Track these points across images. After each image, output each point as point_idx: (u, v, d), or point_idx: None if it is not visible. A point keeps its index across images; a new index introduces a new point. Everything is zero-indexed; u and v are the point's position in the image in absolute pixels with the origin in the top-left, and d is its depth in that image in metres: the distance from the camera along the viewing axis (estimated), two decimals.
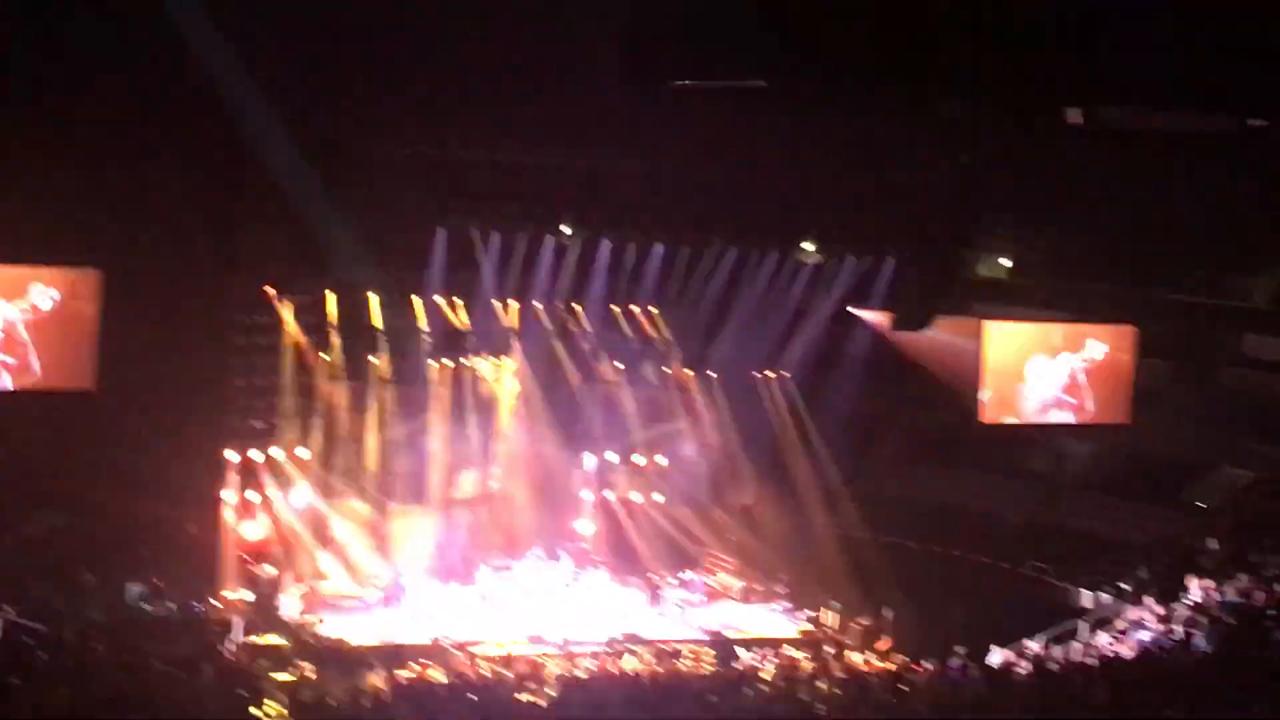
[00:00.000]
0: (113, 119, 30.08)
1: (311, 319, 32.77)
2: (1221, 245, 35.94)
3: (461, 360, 34.01)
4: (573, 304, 34.98)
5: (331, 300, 32.81)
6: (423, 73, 31.89)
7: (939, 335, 35.02)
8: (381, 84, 32.08)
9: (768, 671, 27.20)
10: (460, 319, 34.01)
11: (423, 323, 33.53)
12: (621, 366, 35.49)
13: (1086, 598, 31.74)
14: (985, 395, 33.69)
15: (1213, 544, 30.64)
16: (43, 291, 28.79)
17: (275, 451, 32.16)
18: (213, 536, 30.94)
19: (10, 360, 28.76)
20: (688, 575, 33.94)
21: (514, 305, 34.42)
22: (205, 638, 27.94)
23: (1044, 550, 34.06)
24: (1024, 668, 26.23)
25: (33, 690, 20.58)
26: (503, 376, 34.65)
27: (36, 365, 28.88)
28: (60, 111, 29.61)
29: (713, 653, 29.64)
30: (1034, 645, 28.64)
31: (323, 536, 32.72)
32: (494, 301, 34.25)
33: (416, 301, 33.43)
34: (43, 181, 29.26)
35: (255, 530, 31.59)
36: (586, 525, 35.19)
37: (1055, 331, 34.43)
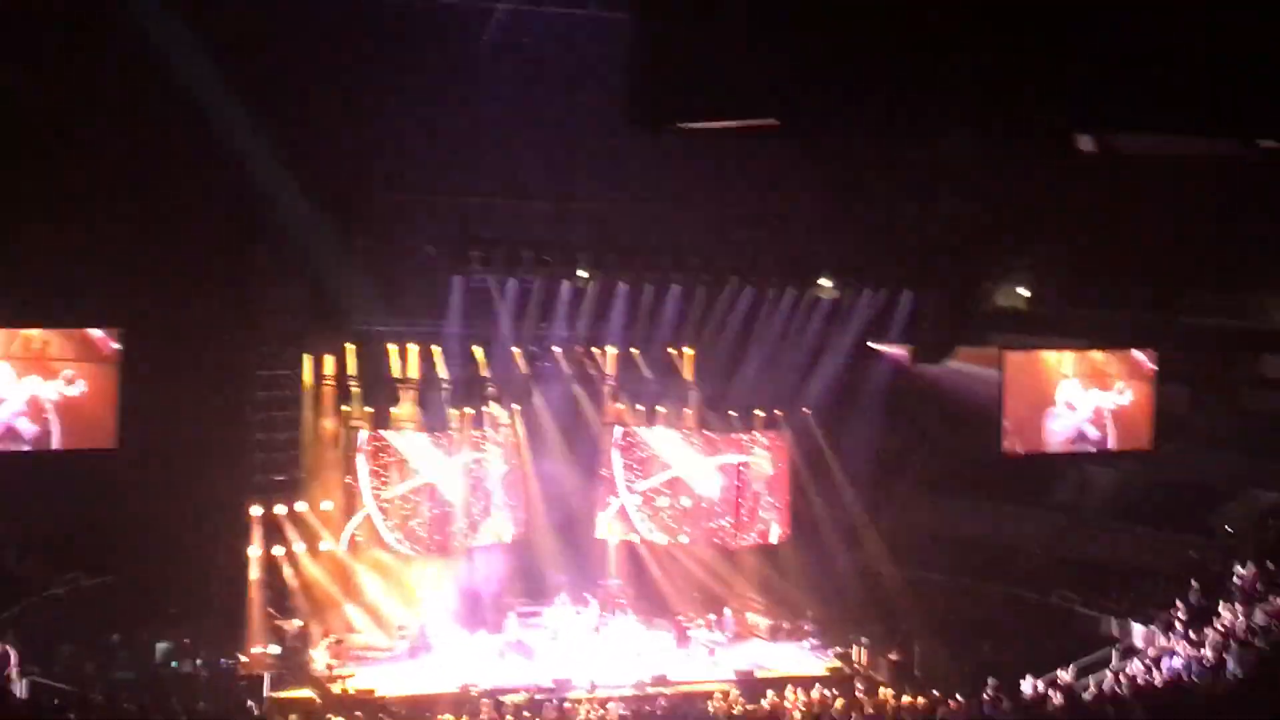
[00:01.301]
0: (128, 178, 30.25)
1: (331, 371, 32.76)
2: (1238, 267, 35.87)
3: (482, 408, 33.99)
4: (591, 347, 34.96)
5: (351, 352, 32.84)
6: (433, 121, 32.05)
7: (960, 366, 34.97)
8: (394, 133, 32.24)
9: (798, 709, 27.15)
10: (483, 366, 33.99)
11: (442, 371, 33.53)
12: (642, 408, 35.45)
13: (1116, 626, 31.56)
14: (1007, 426, 33.63)
15: (1241, 568, 30.46)
16: (71, 372, 28.97)
17: (299, 505, 32.18)
18: (239, 592, 30.92)
19: (33, 427, 28.90)
20: (714, 616, 33.88)
21: (532, 350, 34.41)
22: (234, 694, 27.96)
23: (1071, 580, 33.89)
24: (1056, 698, 26.12)
25: None
26: (520, 422, 34.61)
27: (57, 433, 29.04)
28: (76, 171, 29.77)
29: (742, 692, 29.58)
30: (1066, 675, 28.52)
31: (348, 589, 32.71)
32: (512, 348, 34.24)
33: (435, 350, 33.44)
34: (59, 241, 29.41)
35: (281, 584, 31.58)
36: (613, 571, 35.14)
37: (1075, 359, 34.44)
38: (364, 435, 32.75)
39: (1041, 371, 34.44)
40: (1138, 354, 34.75)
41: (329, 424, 32.87)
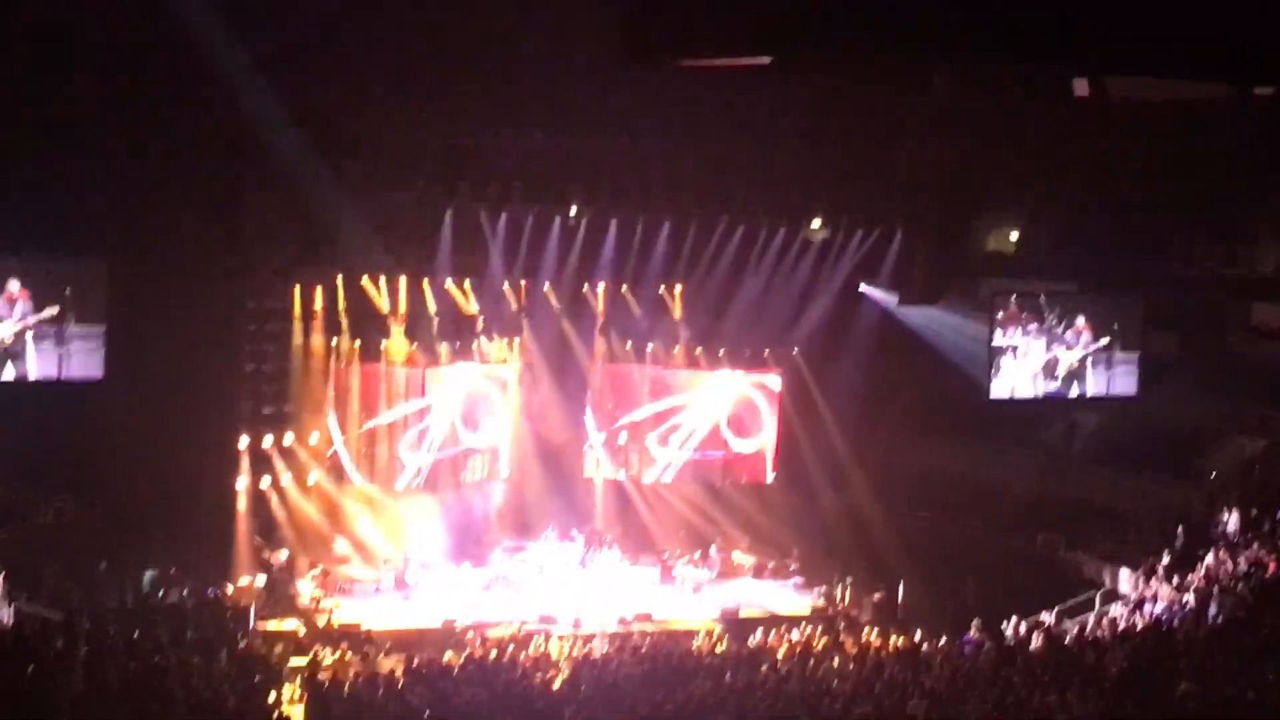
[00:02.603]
0: (115, 110, 30.06)
1: (321, 304, 32.71)
2: (1228, 215, 35.86)
3: (472, 343, 33.99)
4: (581, 284, 34.92)
5: (340, 285, 32.78)
6: (426, 55, 31.87)
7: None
8: (385, 67, 32.06)
9: (781, 648, 27.29)
10: (469, 302, 33.98)
11: (431, 305, 33.51)
12: (631, 346, 35.48)
13: (1099, 570, 31.70)
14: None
15: (1225, 513, 30.60)
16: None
17: (287, 437, 32.20)
18: (226, 523, 30.98)
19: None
20: (700, 553, 34.02)
21: (522, 286, 34.37)
22: (220, 623, 28.03)
23: (1055, 523, 34.01)
24: (1038, 640, 26.28)
25: (48, 677, 20.65)
26: (512, 358, 34.63)
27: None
28: (62, 105, 29.62)
29: (725, 630, 29.72)
30: (1047, 618, 28.69)
31: (335, 521, 32.79)
32: (503, 283, 34.19)
33: (425, 284, 33.38)
34: (47, 175, 29.27)
35: (268, 516, 31.64)
36: (598, 505, 35.26)
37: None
38: (354, 368, 32.77)
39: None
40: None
41: (318, 357, 32.83)
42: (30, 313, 28.88)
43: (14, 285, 28.96)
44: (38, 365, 29.11)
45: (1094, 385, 34.46)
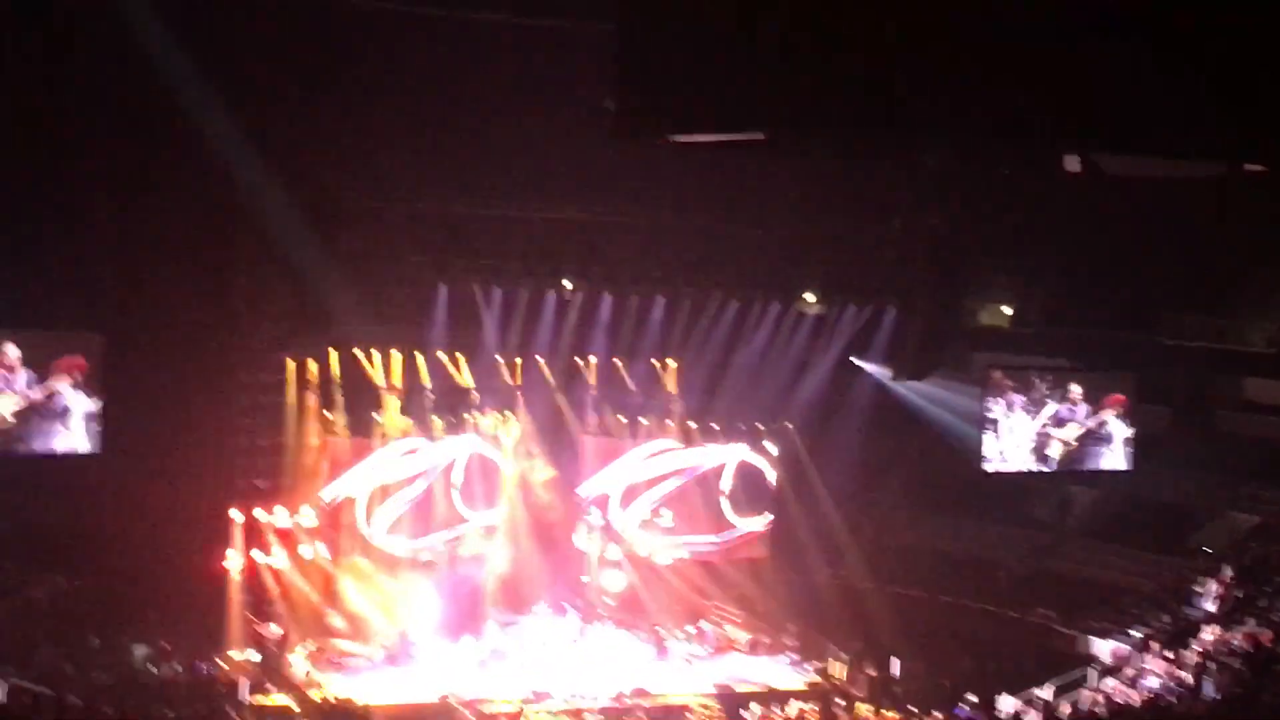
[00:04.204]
0: (111, 182, 30.22)
1: (315, 377, 32.75)
2: (1219, 290, 36.02)
3: (465, 416, 34.02)
4: (575, 358, 35.01)
5: (334, 358, 32.83)
6: (421, 130, 32.08)
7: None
8: (380, 141, 32.26)
9: None
10: (463, 375, 34.04)
11: (426, 379, 33.56)
12: (625, 420, 35.50)
13: (1094, 645, 31.63)
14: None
15: (1217, 589, 30.58)
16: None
17: (280, 511, 32.14)
18: (218, 597, 30.87)
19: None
20: (694, 628, 33.92)
21: (517, 361, 34.44)
22: (212, 699, 27.91)
23: (1050, 598, 33.96)
24: (1033, 716, 26.20)
25: None
26: (506, 431, 34.64)
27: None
28: (58, 176, 29.71)
29: (720, 706, 29.60)
30: (1043, 693, 28.59)
31: (329, 596, 32.68)
32: (497, 357, 34.26)
33: (419, 358, 33.45)
34: (41, 247, 29.36)
35: (261, 590, 31.54)
36: (609, 580, 35.17)
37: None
38: (347, 443, 32.79)
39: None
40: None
41: (312, 430, 32.84)
42: (35, 383, 28.76)
43: (11, 351, 28.51)
44: (35, 440, 28.99)
45: (1089, 460, 34.42)
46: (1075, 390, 33.95)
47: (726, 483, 35.48)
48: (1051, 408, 33.81)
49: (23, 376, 28.65)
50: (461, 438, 33.89)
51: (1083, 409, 33.91)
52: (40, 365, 28.68)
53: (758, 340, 35.49)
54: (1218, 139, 8.99)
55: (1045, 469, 34.23)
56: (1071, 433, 33.73)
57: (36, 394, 28.62)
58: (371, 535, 32.99)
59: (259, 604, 31.52)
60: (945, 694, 29.06)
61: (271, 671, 30.06)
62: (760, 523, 35.58)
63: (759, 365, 35.71)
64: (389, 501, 33.21)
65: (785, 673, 32.81)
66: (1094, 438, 33.99)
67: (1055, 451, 33.83)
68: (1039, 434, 33.76)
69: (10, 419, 28.46)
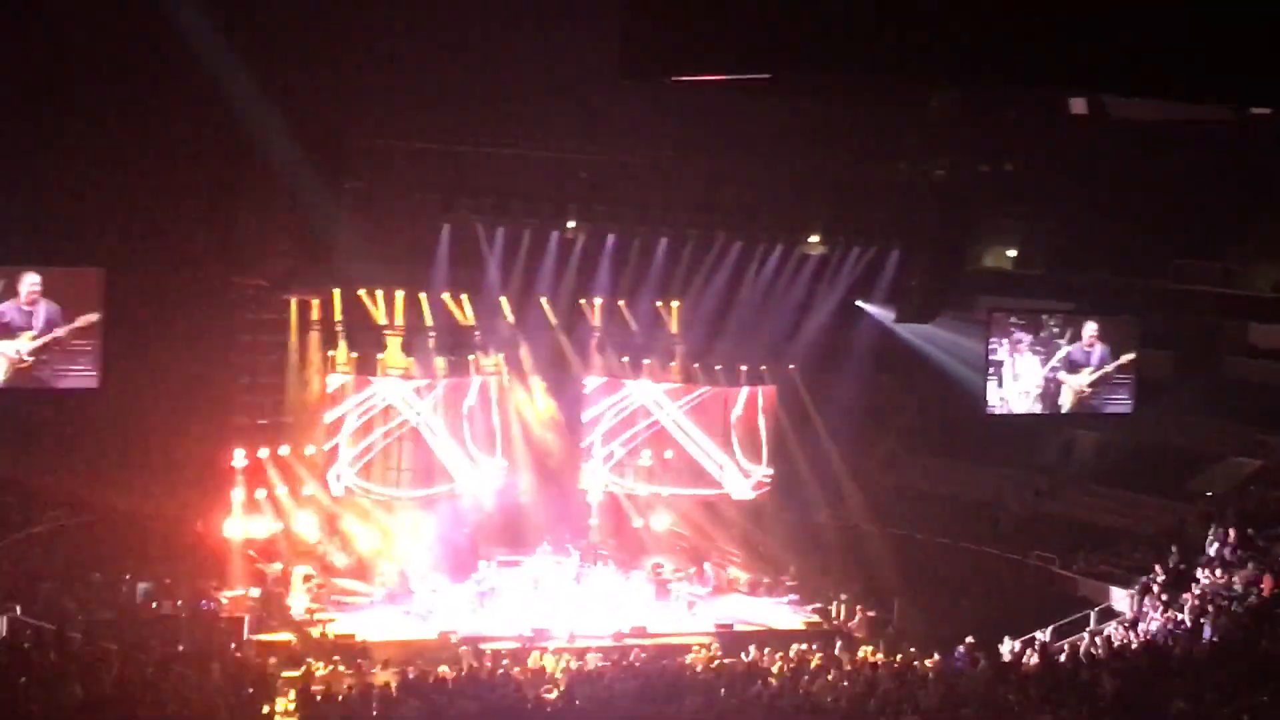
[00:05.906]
0: (113, 118, 30.04)
1: (317, 316, 32.72)
2: (1226, 234, 35.92)
3: (468, 356, 34.00)
4: (578, 299, 34.95)
5: (337, 297, 32.79)
6: (425, 67, 31.87)
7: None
8: (385, 79, 32.06)
9: (775, 664, 27.25)
10: (466, 315, 34.00)
11: (428, 319, 33.52)
12: (627, 360, 35.48)
13: (1094, 588, 31.68)
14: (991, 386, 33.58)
15: (1219, 532, 30.59)
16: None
17: (282, 449, 32.17)
18: (220, 535, 30.94)
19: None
20: (695, 569, 33.98)
21: (519, 300, 34.38)
22: (214, 635, 27.98)
23: (1051, 542, 34.00)
24: (1032, 659, 26.26)
25: (41, 688, 20.62)
26: (508, 371, 34.62)
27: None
28: (59, 112, 29.58)
29: (720, 646, 29.68)
30: (1042, 636, 28.65)
31: (330, 533, 32.76)
32: (500, 297, 34.20)
33: (422, 298, 33.40)
34: (43, 183, 29.26)
35: (262, 528, 31.58)
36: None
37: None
38: (349, 380, 32.79)
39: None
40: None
41: (314, 368, 32.84)
42: (59, 318, 28.76)
43: (34, 282, 28.71)
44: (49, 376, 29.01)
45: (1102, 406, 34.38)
46: (1090, 328, 33.82)
47: (731, 422, 35.48)
48: (1063, 350, 33.79)
49: (42, 310, 28.66)
50: (463, 379, 33.88)
51: (1099, 350, 33.80)
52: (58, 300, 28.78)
53: (761, 281, 35.37)
54: (1224, 81, 8.91)
55: (1048, 412, 34.22)
56: (1085, 378, 33.68)
57: (61, 331, 28.66)
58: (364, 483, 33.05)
59: (260, 541, 31.57)
60: (945, 636, 29.12)
61: (272, 608, 30.14)
62: (761, 471, 35.57)
63: (762, 306, 35.61)
64: (386, 442, 33.24)
65: (785, 613, 32.89)
66: (1108, 382, 33.94)
67: (1067, 398, 33.80)
68: (1047, 378, 33.73)
69: (27, 357, 28.52)
